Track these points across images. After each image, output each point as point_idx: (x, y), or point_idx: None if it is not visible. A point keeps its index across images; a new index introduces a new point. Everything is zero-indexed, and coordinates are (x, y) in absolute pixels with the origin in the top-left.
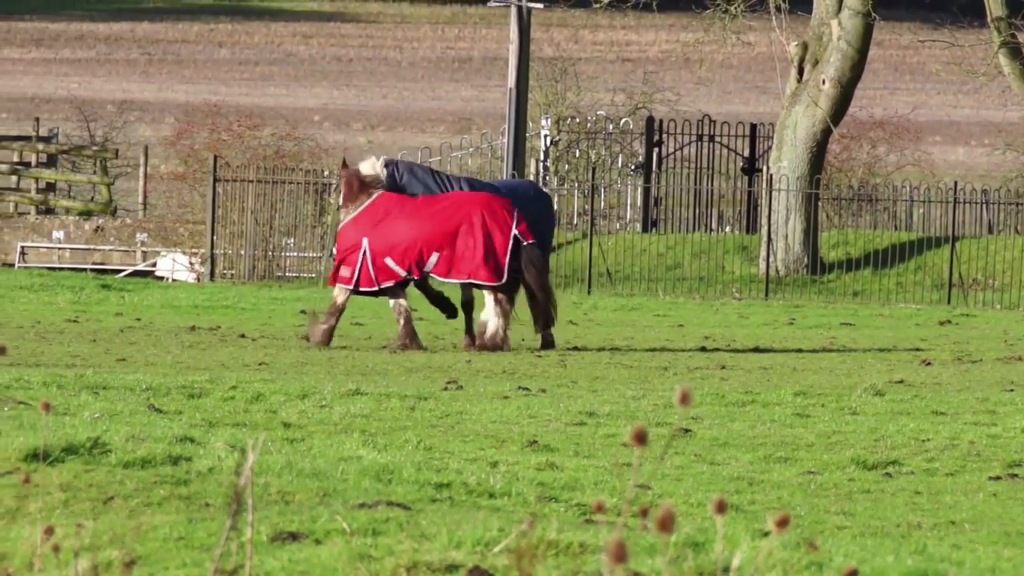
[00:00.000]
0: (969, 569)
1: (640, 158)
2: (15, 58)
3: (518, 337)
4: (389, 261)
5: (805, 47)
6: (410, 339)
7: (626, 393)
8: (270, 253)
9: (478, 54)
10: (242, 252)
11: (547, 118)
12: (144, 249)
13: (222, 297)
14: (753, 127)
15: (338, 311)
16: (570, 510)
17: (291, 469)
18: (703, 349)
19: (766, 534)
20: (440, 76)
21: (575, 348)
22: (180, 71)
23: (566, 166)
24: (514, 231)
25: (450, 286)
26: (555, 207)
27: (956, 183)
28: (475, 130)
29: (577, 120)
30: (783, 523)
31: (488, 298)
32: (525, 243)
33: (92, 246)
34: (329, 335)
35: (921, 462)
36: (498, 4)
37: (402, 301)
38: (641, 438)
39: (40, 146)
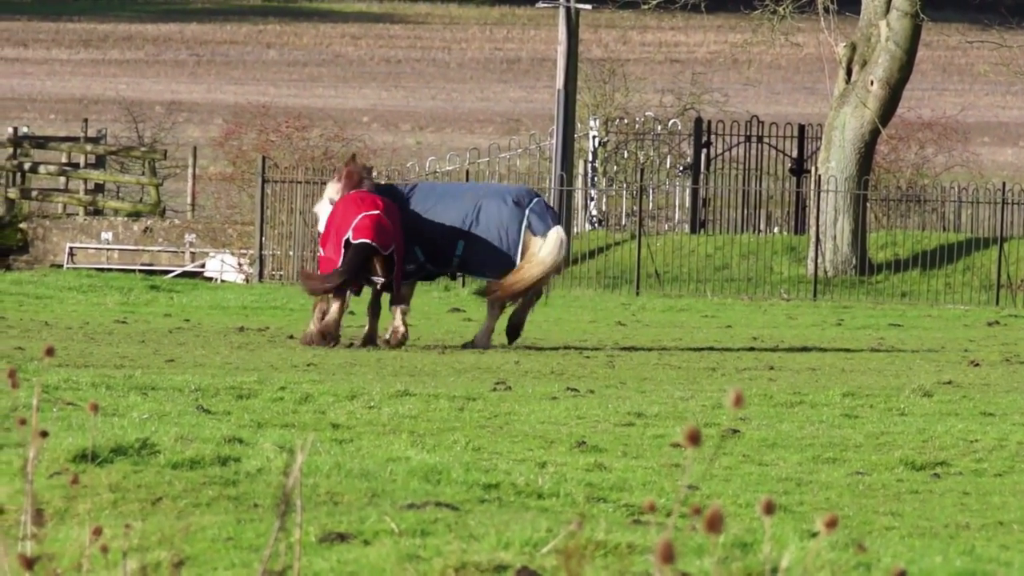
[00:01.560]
0: (1018, 570)
1: (688, 159)
2: (64, 59)
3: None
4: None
5: (853, 48)
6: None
7: (674, 394)
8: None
9: (526, 55)
10: (291, 253)
11: (595, 119)
12: (193, 250)
13: (271, 298)
14: (801, 128)
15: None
16: (618, 511)
17: (340, 470)
18: (751, 350)
19: (814, 535)
20: (488, 77)
21: (624, 349)
22: (229, 72)
23: (614, 167)
24: (348, 231)
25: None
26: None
27: (1004, 184)
28: (523, 131)
29: (625, 121)
30: (832, 524)
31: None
32: (355, 241)
33: (141, 247)
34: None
35: (969, 463)
36: (547, 5)
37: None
38: (694, 439)
39: (89, 147)
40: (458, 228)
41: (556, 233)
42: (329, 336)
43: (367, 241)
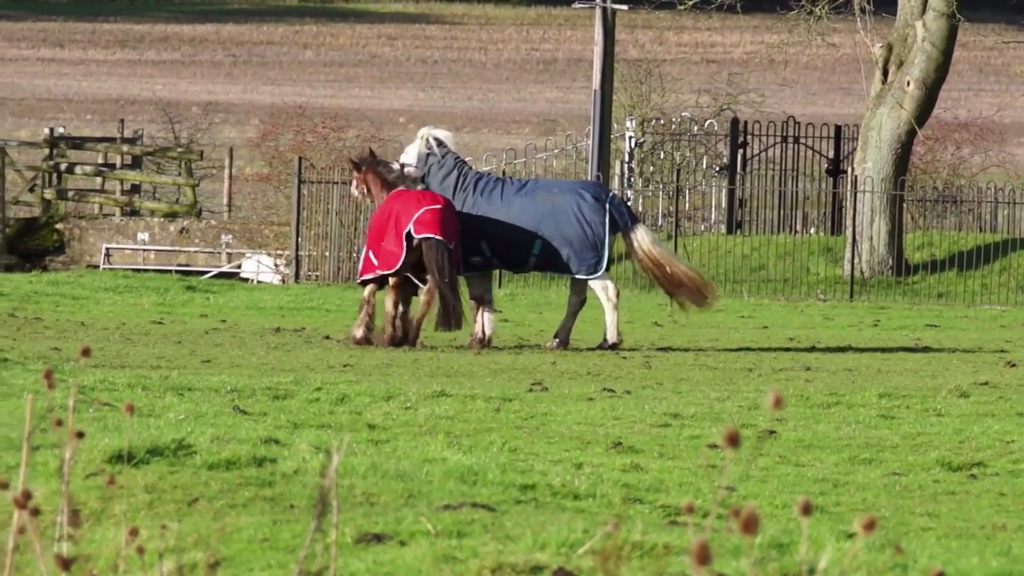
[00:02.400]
0: None
1: (725, 160)
2: (100, 59)
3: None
4: (369, 253)
5: (890, 48)
6: (365, 334)
7: (711, 395)
8: (355, 255)
9: (563, 56)
10: (327, 254)
11: (632, 119)
12: (229, 251)
13: (307, 299)
14: (838, 129)
15: (364, 304)
16: (655, 511)
17: (376, 471)
18: (788, 350)
19: (851, 536)
20: (525, 78)
21: (660, 349)
22: (265, 73)
23: (651, 168)
24: (409, 225)
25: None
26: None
27: None
28: (560, 131)
29: (662, 121)
30: (869, 525)
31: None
32: (417, 237)
33: (177, 248)
34: (364, 331)
35: (1006, 463)
36: (583, 6)
37: (364, 294)
38: (733, 440)
39: (125, 148)
40: (533, 228)
41: (645, 231)
42: (411, 336)
43: (434, 236)
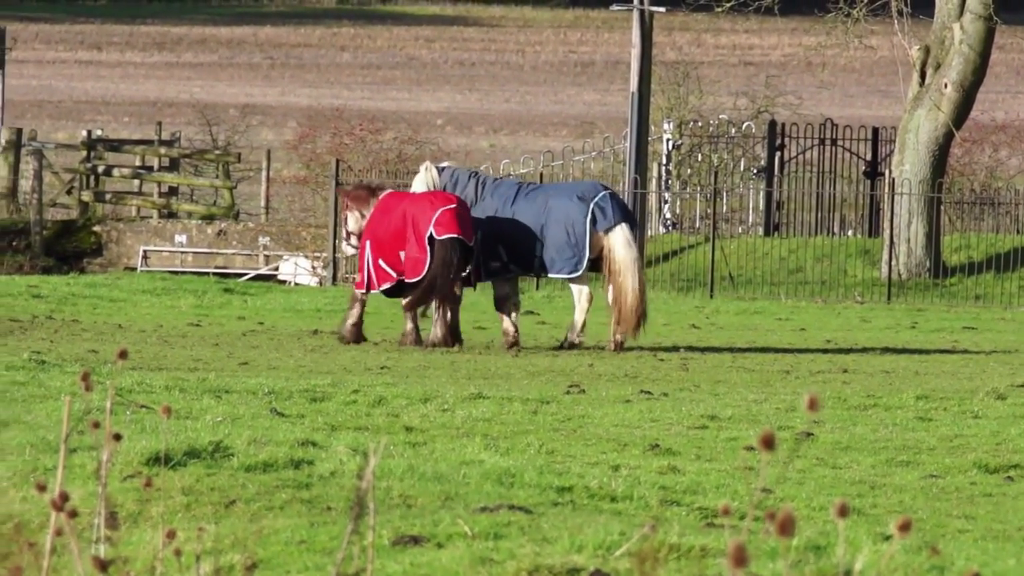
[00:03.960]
0: None
1: (762, 162)
2: (138, 62)
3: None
4: (383, 263)
5: (927, 51)
6: (412, 340)
7: (748, 397)
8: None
9: (600, 58)
10: None
11: (669, 122)
12: (267, 253)
13: (344, 301)
14: (875, 131)
15: (354, 303)
16: (692, 514)
17: (413, 473)
18: (825, 352)
19: (888, 538)
20: (562, 80)
21: (697, 351)
22: (302, 75)
23: (688, 170)
24: (430, 227)
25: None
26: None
27: None
28: (597, 134)
29: (699, 124)
30: (905, 527)
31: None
32: (439, 238)
33: (214, 250)
34: (355, 332)
35: None
36: (620, 8)
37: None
38: (769, 443)
39: (162, 150)
40: (537, 229)
41: (621, 232)
42: (451, 338)
43: (455, 235)
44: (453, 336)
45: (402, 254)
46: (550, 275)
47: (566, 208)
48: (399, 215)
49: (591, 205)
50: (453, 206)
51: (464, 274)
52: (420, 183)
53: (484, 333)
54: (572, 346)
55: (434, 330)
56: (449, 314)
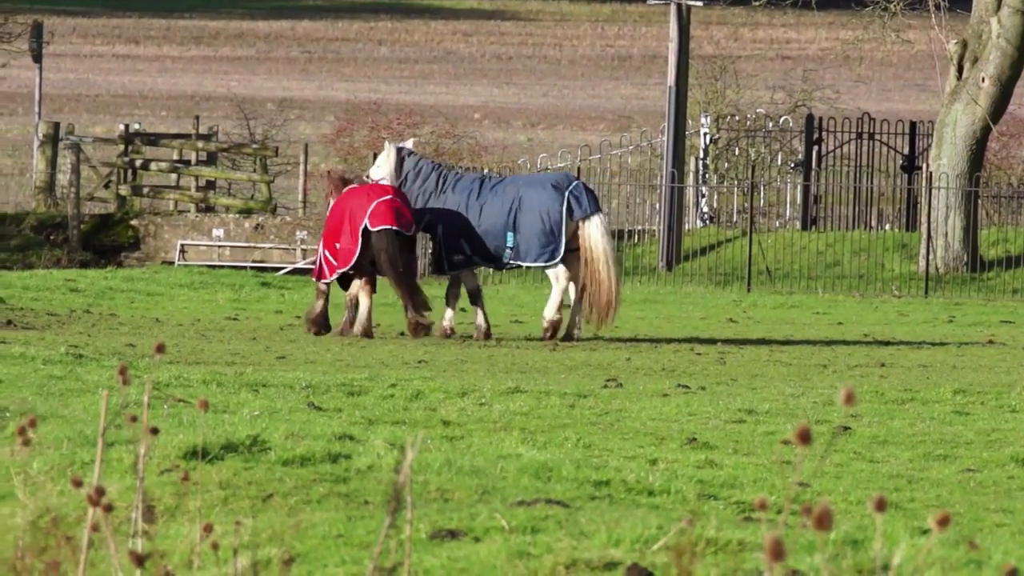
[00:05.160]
0: None
1: (800, 156)
2: (175, 56)
3: (523, 331)
4: (327, 254)
5: (964, 45)
6: (355, 328)
7: (785, 391)
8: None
9: (638, 52)
10: None
11: (707, 116)
12: (304, 247)
13: (382, 295)
14: (913, 125)
15: (320, 296)
16: (729, 508)
17: (450, 467)
18: (863, 344)
19: (925, 532)
20: (600, 74)
21: (735, 345)
22: (340, 69)
23: (726, 164)
24: (364, 220)
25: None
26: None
27: None
28: (635, 128)
29: (737, 118)
30: (943, 521)
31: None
32: (374, 229)
33: (252, 244)
34: (319, 321)
35: None
36: (658, 2)
37: (352, 290)
38: (804, 437)
39: (200, 144)
40: (505, 220)
41: (597, 223)
42: (365, 331)
43: (387, 226)
44: (323, 327)
45: (338, 245)
46: (526, 264)
47: (540, 197)
48: (341, 208)
49: (566, 194)
50: (388, 198)
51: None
52: (382, 162)
53: (521, 327)
54: (553, 326)
55: (344, 322)
56: (362, 306)
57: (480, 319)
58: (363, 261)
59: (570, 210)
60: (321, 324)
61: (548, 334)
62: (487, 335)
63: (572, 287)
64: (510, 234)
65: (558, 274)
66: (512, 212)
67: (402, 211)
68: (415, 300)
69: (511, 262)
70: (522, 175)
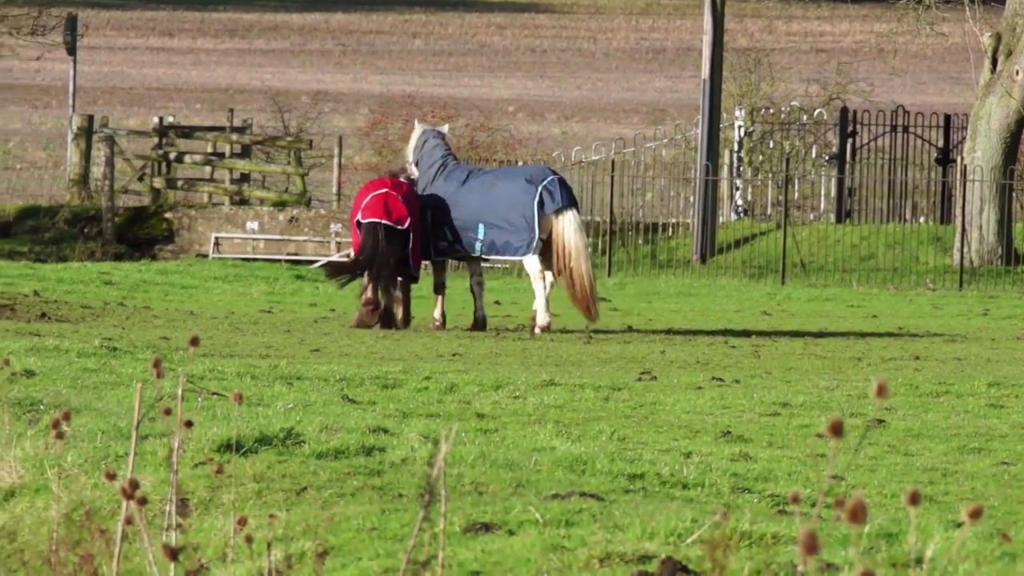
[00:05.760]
0: None
1: (834, 149)
2: (209, 48)
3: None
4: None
5: (999, 38)
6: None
7: (820, 383)
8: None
9: (672, 45)
10: None
11: (741, 109)
12: (338, 240)
13: (416, 287)
14: (947, 118)
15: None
16: (763, 501)
17: (484, 460)
18: (897, 337)
19: (959, 525)
20: (634, 67)
21: (769, 338)
22: (374, 62)
23: (760, 157)
24: (358, 214)
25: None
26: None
27: None
28: (669, 121)
29: (771, 111)
30: (977, 514)
31: None
32: (364, 221)
33: (286, 237)
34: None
35: None
36: None
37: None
38: (837, 429)
39: (234, 137)
40: (478, 212)
41: (571, 217)
42: (391, 323)
43: (376, 220)
44: (385, 319)
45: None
46: (504, 257)
47: (514, 191)
48: (354, 203)
49: (539, 188)
50: (383, 191)
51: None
52: (411, 142)
53: (556, 321)
54: (544, 330)
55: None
56: (384, 296)
57: (437, 312)
58: (367, 254)
59: (542, 204)
60: (397, 317)
61: (539, 331)
62: (442, 326)
63: (534, 274)
64: (481, 226)
65: (535, 272)
66: (485, 205)
67: (393, 204)
68: (374, 293)
69: (484, 255)
70: (504, 168)
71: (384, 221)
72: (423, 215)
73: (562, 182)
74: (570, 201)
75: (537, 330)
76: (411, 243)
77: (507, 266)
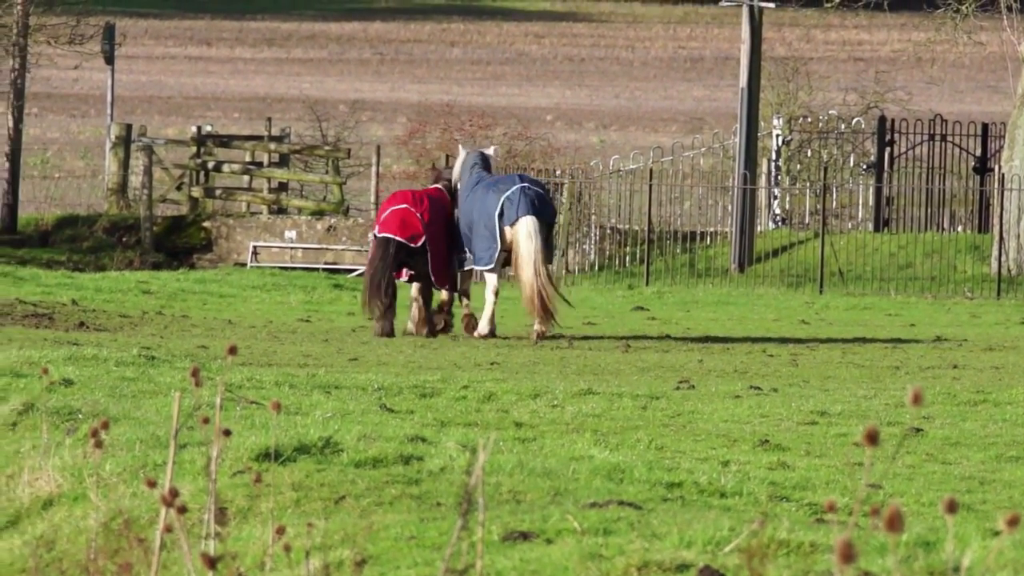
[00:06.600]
0: None
1: (872, 157)
2: (247, 58)
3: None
4: None
5: None
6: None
7: (858, 392)
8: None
9: (710, 54)
10: None
11: (779, 118)
12: None
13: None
14: (985, 126)
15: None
16: (801, 509)
17: (522, 468)
18: (936, 343)
19: (997, 533)
20: (672, 76)
21: (807, 346)
22: (412, 71)
23: (798, 166)
24: (376, 227)
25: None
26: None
27: None
28: (707, 130)
29: (809, 120)
30: (1014, 522)
31: None
32: (377, 236)
33: (324, 246)
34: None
35: None
36: (730, 4)
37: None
38: (873, 438)
39: (272, 146)
40: (466, 223)
41: (523, 224)
42: (424, 328)
43: (388, 235)
44: (429, 328)
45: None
46: (476, 267)
47: (486, 201)
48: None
49: (502, 198)
50: (402, 207)
51: (407, 272)
52: (458, 163)
53: (594, 329)
54: (484, 337)
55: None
56: (417, 309)
57: (481, 322)
58: (376, 267)
59: (501, 214)
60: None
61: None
62: (471, 329)
63: (490, 287)
64: (466, 236)
65: (492, 285)
66: (467, 216)
67: (410, 221)
68: (371, 306)
69: (470, 266)
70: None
71: (396, 237)
72: (451, 227)
73: (526, 190)
74: (529, 208)
75: (475, 334)
76: (431, 257)
77: None
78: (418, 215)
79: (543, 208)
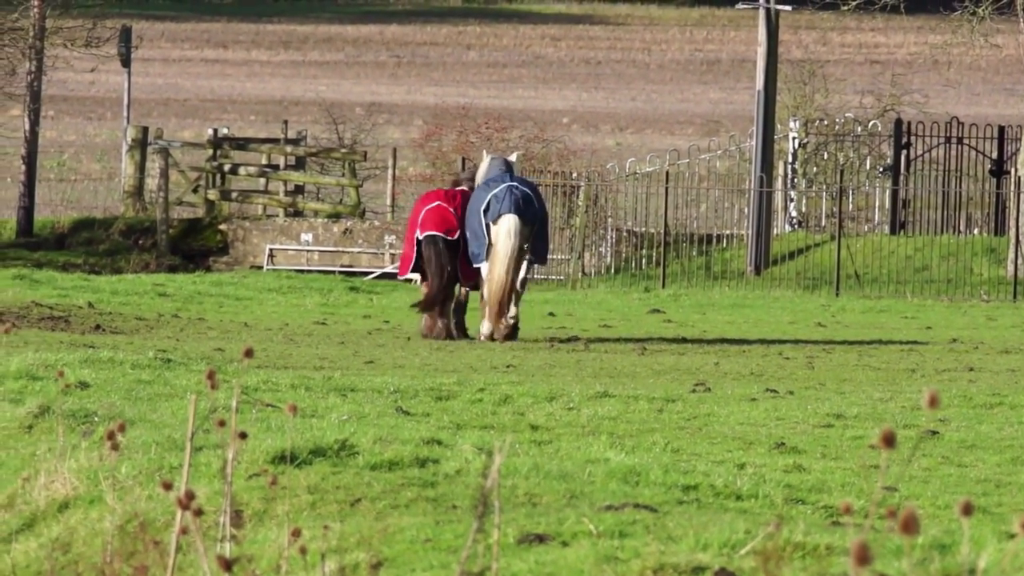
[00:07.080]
0: None
1: (888, 160)
2: (264, 60)
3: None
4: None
5: None
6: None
7: (874, 395)
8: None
9: (726, 56)
10: None
11: (795, 120)
12: (393, 251)
13: (470, 299)
14: (1001, 129)
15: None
16: (817, 512)
17: (538, 471)
18: (953, 345)
19: (1012, 536)
20: (688, 78)
21: (823, 349)
22: (429, 73)
23: (814, 168)
24: (417, 229)
25: None
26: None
27: None
28: (723, 132)
29: (825, 122)
30: None
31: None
32: (421, 236)
33: (340, 248)
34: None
35: None
36: (747, 6)
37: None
38: (889, 441)
39: (288, 148)
40: (467, 222)
41: (504, 222)
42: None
43: (432, 232)
44: (454, 331)
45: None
46: (474, 265)
47: (477, 198)
48: (412, 215)
49: (489, 195)
50: (436, 204)
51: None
52: (483, 168)
53: (609, 331)
54: (488, 339)
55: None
56: (441, 310)
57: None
58: (420, 267)
59: (487, 211)
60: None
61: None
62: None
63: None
64: (468, 235)
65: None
66: (467, 214)
67: (446, 216)
68: (429, 302)
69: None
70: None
71: (440, 234)
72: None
73: (513, 188)
74: (512, 207)
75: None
76: (462, 253)
77: (560, 276)
78: (451, 210)
79: (527, 208)
